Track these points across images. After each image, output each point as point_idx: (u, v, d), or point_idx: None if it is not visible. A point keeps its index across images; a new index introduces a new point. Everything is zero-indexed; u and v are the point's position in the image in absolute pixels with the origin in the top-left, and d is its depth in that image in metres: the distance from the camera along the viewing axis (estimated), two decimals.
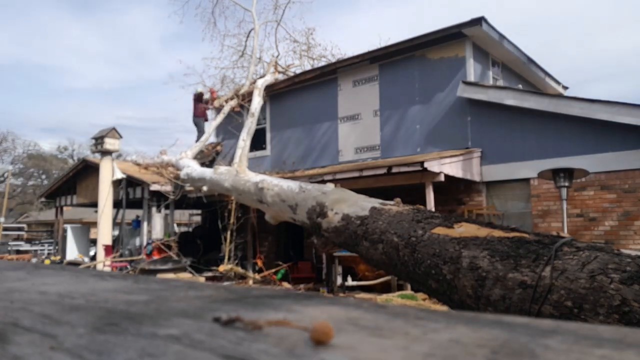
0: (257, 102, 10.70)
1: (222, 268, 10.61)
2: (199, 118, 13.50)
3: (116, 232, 14.87)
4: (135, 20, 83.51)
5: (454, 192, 9.53)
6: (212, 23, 20.19)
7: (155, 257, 11.47)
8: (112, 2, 79.09)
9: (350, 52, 15.60)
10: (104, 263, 11.80)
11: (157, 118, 77.49)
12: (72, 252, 16.09)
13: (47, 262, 15.05)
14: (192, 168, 10.18)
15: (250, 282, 10.63)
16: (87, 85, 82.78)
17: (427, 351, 0.44)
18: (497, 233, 2.53)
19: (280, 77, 13.59)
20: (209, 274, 11.30)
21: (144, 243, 12.37)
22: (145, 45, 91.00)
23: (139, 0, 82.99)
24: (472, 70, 9.84)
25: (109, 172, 12.68)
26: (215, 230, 13.67)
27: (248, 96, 12.07)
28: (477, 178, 9.32)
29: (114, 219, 14.37)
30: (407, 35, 12.35)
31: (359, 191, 4.06)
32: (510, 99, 9.06)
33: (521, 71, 11.73)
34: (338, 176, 9.00)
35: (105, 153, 12.74)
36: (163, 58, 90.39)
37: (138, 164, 13.91)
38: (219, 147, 14.82)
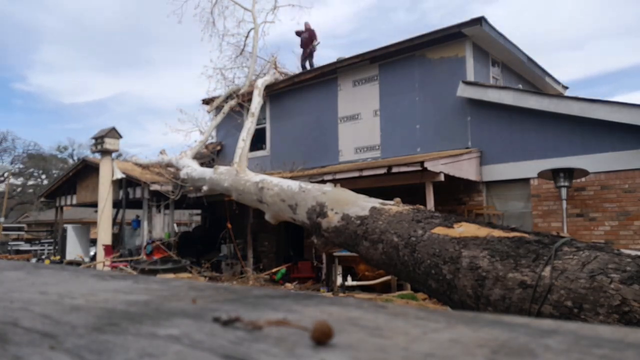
0: (257, 102, 10.70)
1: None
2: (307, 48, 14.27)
3: (116, 232, 14.87)
4: None
5: (454, 192, 9.52)
6: (211, 23, 20.13)
7: (155, 257, 11.47)
8: None
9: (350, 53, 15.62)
10: (104, 263, 11.79)
11: None
12: (72, 252, 16.09)
13: (47, 262, 15.05)
14: (192, 168, 10.20)
15: (251, 282, 10.63)
16: None
17: (427, 351, 0.44)
18: (497, 233, 2.53)
19: (280, 77, 13.59)
20: (208, 273, 11.30)
21: (144, 243, 12.37)
22: None
23: None
24: (472, 70, 9.84)
25: (108, 172, 12.69)
26: (215, 230, 13.70)
27: (248, 96, 12.06)
28: (477, 178, 9.32)
29: (114, 219, 14.37)
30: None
31: (359, 191, 4.07)
32: (510, 99, 9.06)
33: (521, 71, 11.73)
34: (338, 176, 8.99)
35: (105, 153, 12.75)
36: None
37: (138, 164, 13.92)
38: (219, 147, 14.82)
